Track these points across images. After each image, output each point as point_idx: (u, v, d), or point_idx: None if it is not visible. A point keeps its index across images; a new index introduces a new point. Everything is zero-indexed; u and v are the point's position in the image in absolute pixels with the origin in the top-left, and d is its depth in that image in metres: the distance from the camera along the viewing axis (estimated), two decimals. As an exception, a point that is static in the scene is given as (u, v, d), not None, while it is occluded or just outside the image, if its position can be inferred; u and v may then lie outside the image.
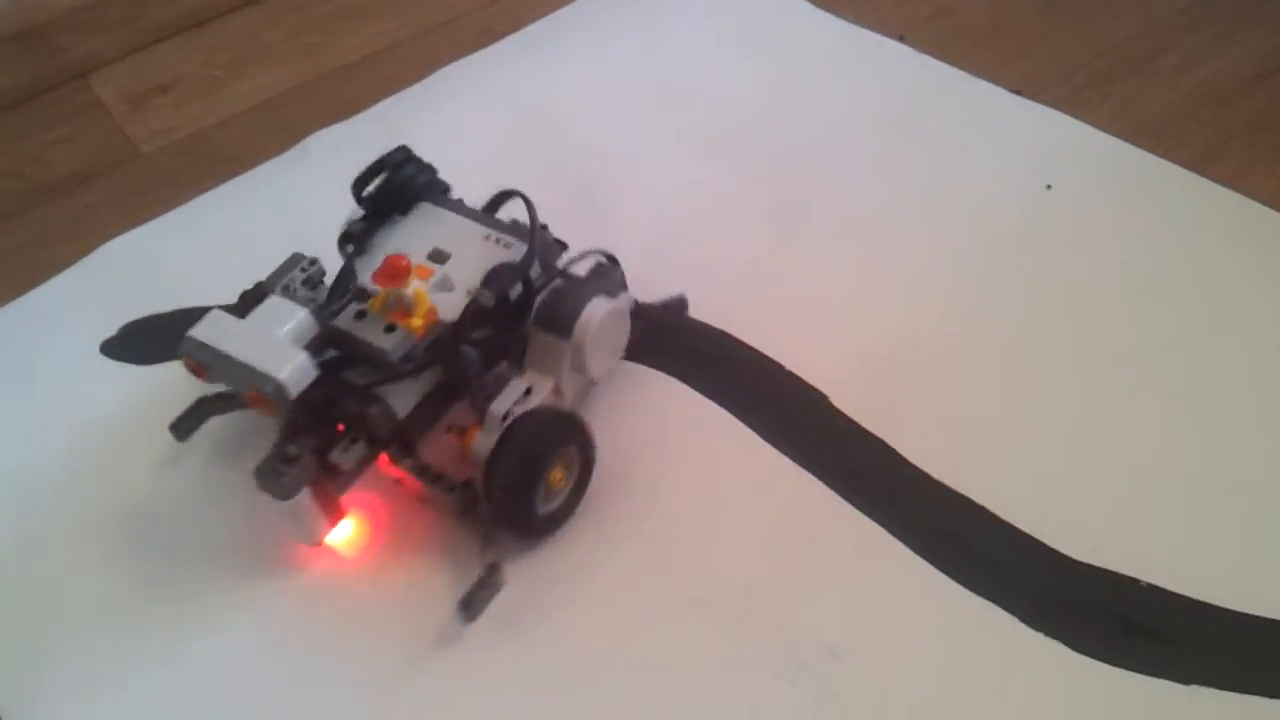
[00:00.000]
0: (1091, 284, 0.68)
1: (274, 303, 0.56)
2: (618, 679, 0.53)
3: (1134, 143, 0.75)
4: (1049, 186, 0.73)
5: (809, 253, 0.71)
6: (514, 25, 0.90)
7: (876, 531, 0.58)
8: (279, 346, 0.54)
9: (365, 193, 0.61)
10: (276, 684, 0.54)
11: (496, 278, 0.57)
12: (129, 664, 0.55)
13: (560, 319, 0.58)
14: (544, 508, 0.57)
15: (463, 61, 0.86)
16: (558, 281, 0.60)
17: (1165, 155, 0.74)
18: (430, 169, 0.63)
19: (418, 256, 0.59)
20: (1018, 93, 0.80)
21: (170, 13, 0.93)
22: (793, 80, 0.83)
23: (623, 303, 0.61)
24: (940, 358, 0.65)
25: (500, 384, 0.57)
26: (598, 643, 0.54)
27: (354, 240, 0.60)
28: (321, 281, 0.60)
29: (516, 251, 0.59)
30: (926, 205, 0.73)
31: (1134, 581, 0.55)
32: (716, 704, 0.52)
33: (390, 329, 0.55)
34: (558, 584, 0.57)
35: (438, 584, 0.57)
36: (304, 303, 0.57)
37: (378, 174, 0.61)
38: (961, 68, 0.82)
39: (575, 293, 0.59)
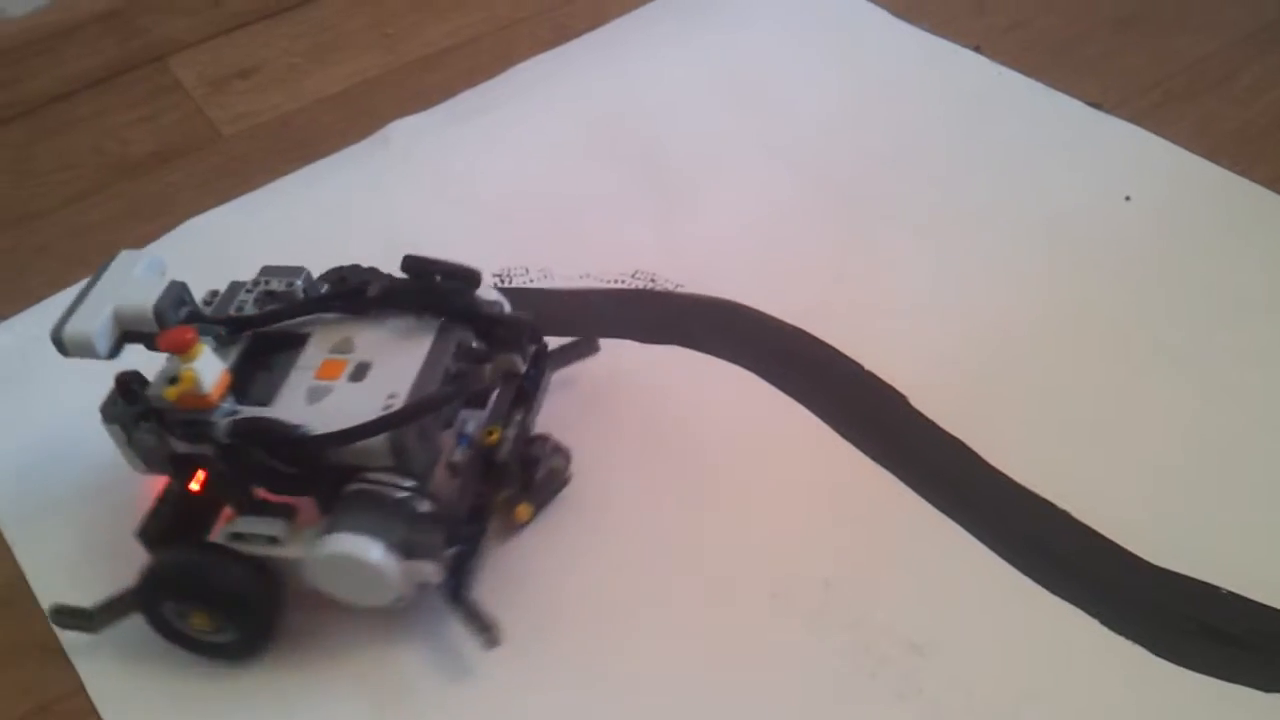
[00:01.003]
0: (1170, 294, 0.68)
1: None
2: (699, 668, 0.53)
3: (1212, 159, 0.76)
4: (1128, 198, 0.73)
5: (885, 256, 0.72)
6: (592, 23, 0.91)
7: (956, 530, 0.58)
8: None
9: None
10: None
11: None
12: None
13: None
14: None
15: (541, 57, 0.87)
16: None
17: (1243, 172, 0.74)
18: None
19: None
20: (1096, 106, 0.80)
21: (251, 0, 0.94)
22: (870, 86, 0.84)
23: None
24: (1019, 362, 0.65)
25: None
26: (679, 634, 0.55)
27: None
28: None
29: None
30: (1004, 212, 0.73)
31: (1214, 588, 0.55)
32: (797, 693, 0.52)
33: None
34: (641, 575, 0.57)
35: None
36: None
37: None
38: (1037, 79, 0.83)
39: None
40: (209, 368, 0.50)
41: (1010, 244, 0.72)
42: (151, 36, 0.92)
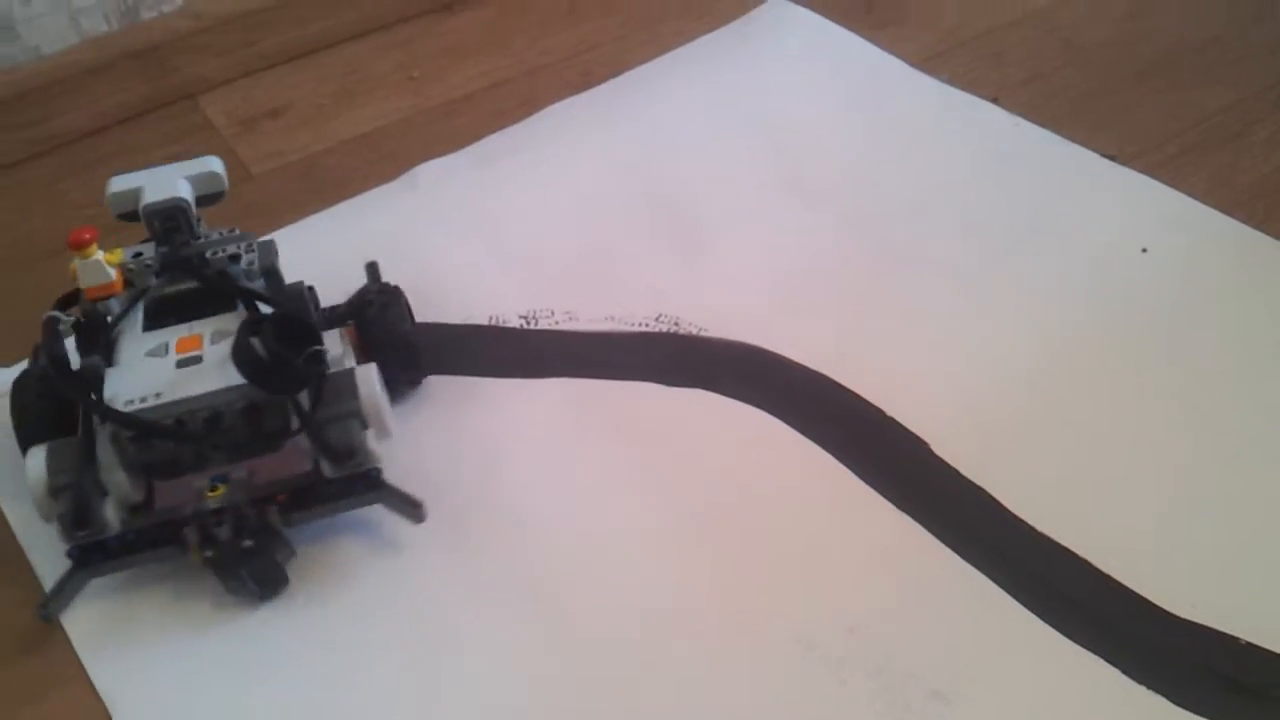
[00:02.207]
0: (1188, 346, 0.69)
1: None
2: (721, 713, 0.54)
3: (1227, 212, 0.77)
4: (1145, 250, 0.74)
5: (906, 303, 0.73)
6: (615, 69, 0.92)
7: (978, 578, 0.58)
8: None
9: None
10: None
11: None
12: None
13: None
14: None
15: (566, 101, 0.89)
16: None
17: (1258, 225, 0.76)
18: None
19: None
20: (1112, 158, 0.82)
21: (280, 42, 0.96)
22: (889, 136, 0.85)
23: None
24: (1039, 411, 0.66)
25: None
26: (701, 680, 0.55)
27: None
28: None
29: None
30: (1022, 262, 0.75)
31: (1234, 639, 0.55)
32: (822, 738, 0.53)
33: None
34: (662, 618, 0.58)
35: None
36: None
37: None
38: (1054, 131, 0.84)
39: None
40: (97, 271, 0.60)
41: (1029, 294, 0.73)
42: (183, 75, 0.93)
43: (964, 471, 0.63)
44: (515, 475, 0.64)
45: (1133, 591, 0.57)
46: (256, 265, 0.63)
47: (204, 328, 0.60)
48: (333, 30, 0.98)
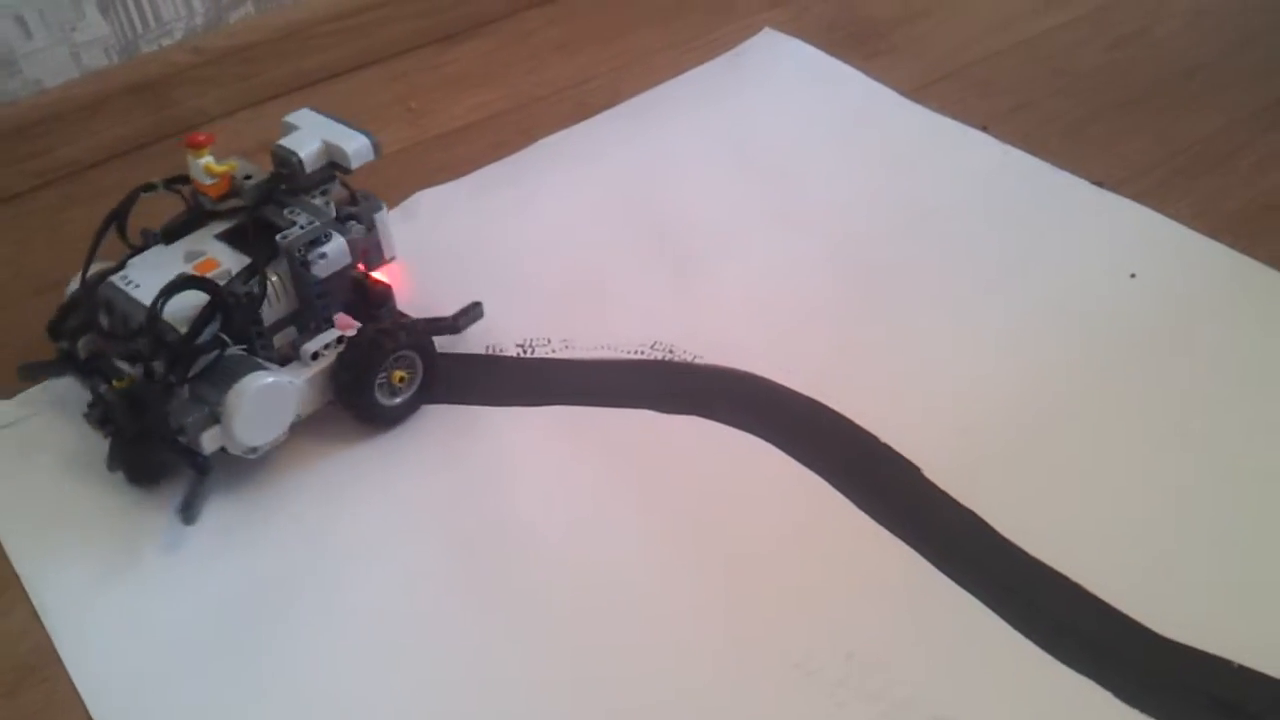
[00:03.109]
0: (1176, 370, 0.70)
1: None
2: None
3: (1215, 237, 0.78)
4: (1133, 275, 0.75)
5: (898, 329, 0.73)
6: (610, 100, 0.94)
7: (971, 603, 0.59)
8: None
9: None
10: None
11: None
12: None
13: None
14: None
15: (563, 132, 0.90)
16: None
17: (1245, 250, 0.76)
18: None
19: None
20: (1099, 184, 0.83)
21: (280, 74, 0.97)
22: (881, 163, 0.86)
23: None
24: (1029, 435, 0.67)
25: None
26: (700, 706, 0.56)
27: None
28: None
29: None
30: (1013, 287, 0.75)
31: (1226, 662, 0.56)
32: (818, 763, 0.53)
33: None
34: (659, 645, 0.58)
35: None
36: None
37: None
38: (1043, 159, 0.85)
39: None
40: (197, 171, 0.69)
41: (1019, 319, 0.73)
42: (183, 108, 0.94)
43: (956, 496, 0.63)
44: (513, 503, 0.65)
45: (1124, 614, 0.58)
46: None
47: (215, 253, 0.67)
48: (331, 62, 0.99)
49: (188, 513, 0.64)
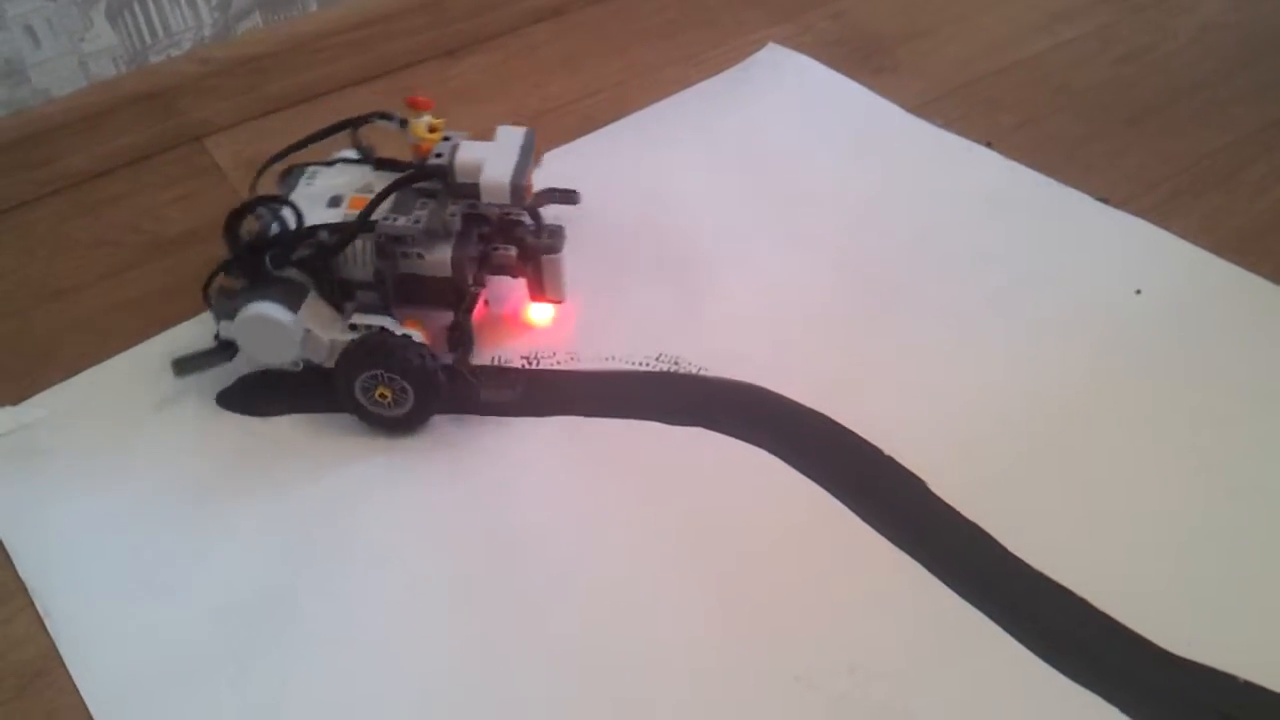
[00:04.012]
0: (1181, 386, 0.70)
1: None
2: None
3: (1219, 254, 0.78)
4: (1138, 291, 0.75)
5: (903, 342, 0.73)
6: (616, 114, 0.94)
7: (977, 617, 0.59)
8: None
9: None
10: None
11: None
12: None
13: None
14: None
15: (567, 146, 0.90)
16: None
17: (1249, 267, 0.77)
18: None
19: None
20: (1104, 200, 0.83)
21: (286, 85, 0.97)
22: (885, 179, 0.86)
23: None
24: (1035, 450, 0.67)
25: None
26: (702, 714, 0.56)
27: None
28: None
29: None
30: (1018, 303, 0.76)
31: (1232, 678, 0.56)
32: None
33: None
34: (664, 656, 0.58)
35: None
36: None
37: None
38: (1048, 175, 0.85)
39: None
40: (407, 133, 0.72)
41: (1024, 334, 0.73)
42: (189, 118, 0.94)
43: (962, 510, 0.63)
44: (518, 513, 0.65)
45: (1131, 630, 0.58)
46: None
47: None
48: (338, 74, 0.99)
49: (180, 365, 0.70)
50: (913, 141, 0.90)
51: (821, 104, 0.95)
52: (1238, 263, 0.77)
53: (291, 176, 0.74)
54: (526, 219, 0.73)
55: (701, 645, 0.58)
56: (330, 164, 0.75)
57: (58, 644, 0.60)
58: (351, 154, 0.76)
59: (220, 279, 0.70)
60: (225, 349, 0.70)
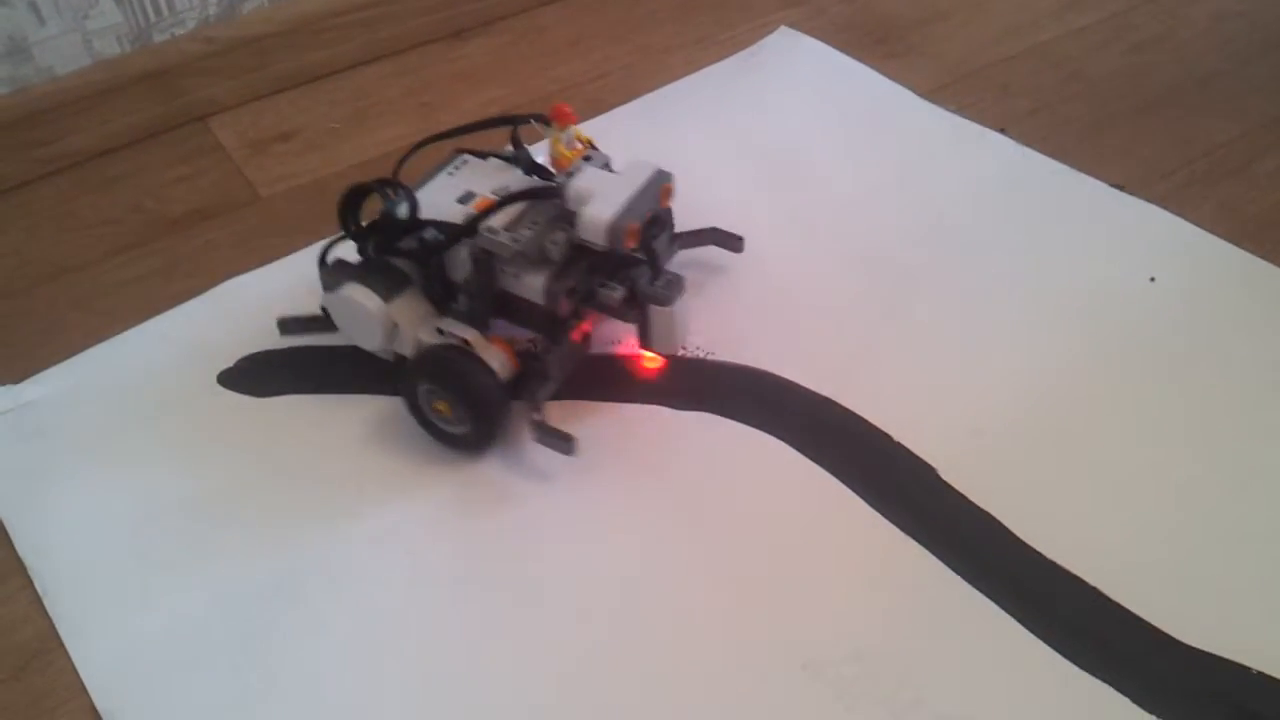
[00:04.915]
0: (1195, 374, 0.69)
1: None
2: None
3: (1234, 242, 0.77)
4: (1152, 279, 0.75)
5: (914, 329, 0.73)
6: (625, 97, 0.93)
7: (985, 605, 0.58)
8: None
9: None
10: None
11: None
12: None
13: None
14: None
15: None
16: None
17: (1265, 255, 0.76)
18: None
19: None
20: (1119, 188, 0.82)
21: (291, 65, 0.96)
22: (898, 164, 0.85)
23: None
24: (1046, 438, 0.66)
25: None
26: (709, 703, 0.55)
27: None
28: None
29: None
30: (1031, 289, 0.75)
31: (1244, 668, 0.55)
32: (829, 763, 0.52)
33: None
34: (671, 643, 0.58)
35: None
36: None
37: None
38: (1062, 161, 0.85)
39: None
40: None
41: (1037, 321, 0.73)
42: (193, 98, 0.94)
43: (972, 497, 0.63)
44: (522, 498, 0.64)
45: (1142, 619, 0.57)
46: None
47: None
48: (343, 55, 0.98)
49: (284, 324, 0.72)
50: (926, 126, 0.89)
51: (833, 88, 0.94)
52: (1252, 251, 0.76)
53: (446, 161, 0.72)
54: (650, 258, 0.67)
55: (706, 632, 0.58)
56: (484, 158, 0.72)
57: (56, 624, 0.59)
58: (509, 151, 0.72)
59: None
60: (328, 319, 0.69)
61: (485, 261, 0.65)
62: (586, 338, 0.70)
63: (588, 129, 0.89)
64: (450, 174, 0.70)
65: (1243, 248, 0.77)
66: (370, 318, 0.65)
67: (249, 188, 0.87)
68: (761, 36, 1.00)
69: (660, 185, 0.66)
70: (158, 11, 0.91)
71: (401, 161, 0.71)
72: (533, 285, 0.65)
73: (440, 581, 0.60)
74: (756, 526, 0.62)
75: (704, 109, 0.92)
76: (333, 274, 0.67)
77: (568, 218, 0.64)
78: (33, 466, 0.67)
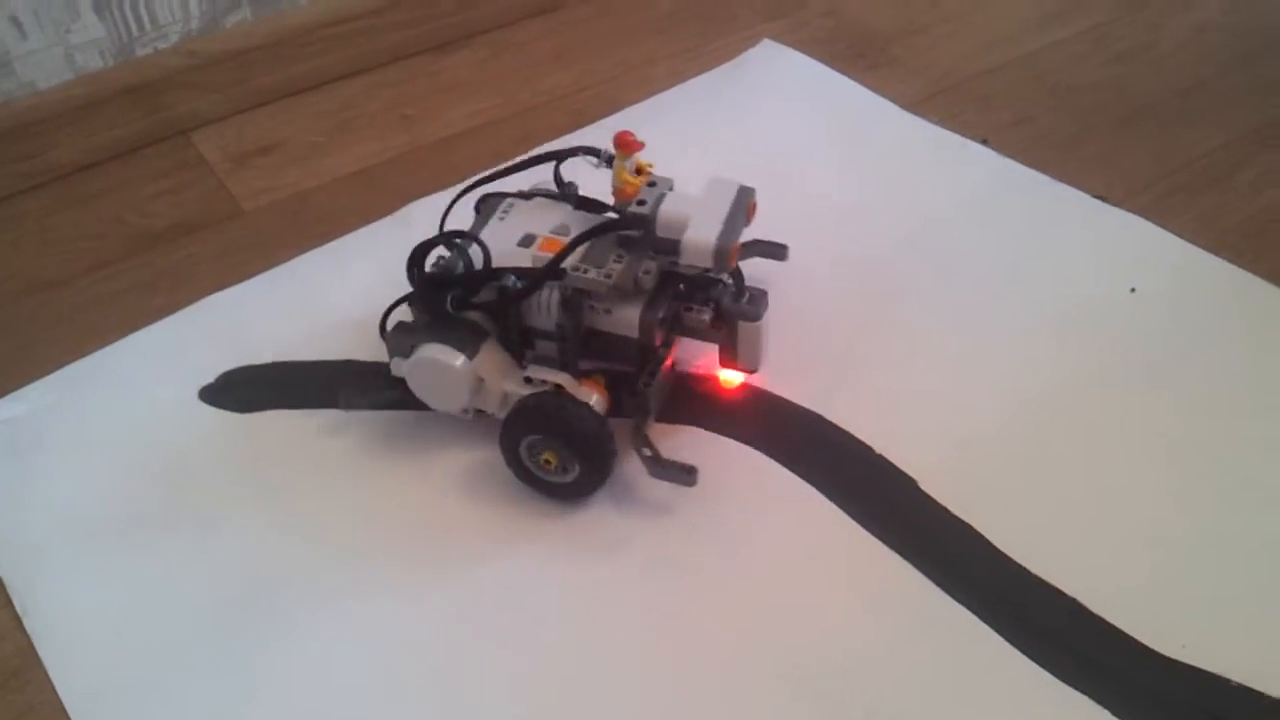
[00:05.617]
0: (1176, 385, 0.69)
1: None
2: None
3: (1215, 252, 0.77)
4: (1133, 289, 0.75)
5: (896, 343, 0.73)
6: (607, 110, 0.93)
7: (966, 616, 0.58)
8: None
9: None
10: None
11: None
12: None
13: None
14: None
15: (560, 140, 0.89)
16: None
17: (1246, 266, 0.76)
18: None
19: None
20: (1101, 198, 0.82)
21: (274, 79, 0.96)
22: (881, 175, 0.86)
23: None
24: (1027, 449, 0.66)
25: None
26: (689, 714, 0.55)
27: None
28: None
29: None
30: (1012, 300, 0.75)
31: (1224, 681, 0.55)
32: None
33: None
34: (651, 653, 0.58)
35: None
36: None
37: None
38: (1043, 172, 0.85)
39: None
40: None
41: (1019, 331, 0.73)
42: (176, 111, 0.93)
43: (953, 509, 0.63)
44: (500, 510, 0.64)
45: (1122, 631, 0.57)
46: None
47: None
48: (326, 69, 0.98)
49: (347, 396, 0.68)
50: (908, 138, 0.89)
51: (816, 100, 0.94)
52: (1234, 261, 0.77)
53: (486, 207, 0.70)
54: (726, 277, 0.66)
55: (687, 642, 0.58)
56: (528, 198, 0.70)
57: (35, 643, 0.59)
58: (551, 188, 0.71)
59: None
60: (396, 386, 0.65)
61: (574, 301, 0.63)
62: (673, 366, 0.69)
63: (571, 140, 0.90)
64: (501, 219, 0.68)
65: (1222, 257, 0.77)
66: (456, 377, 0.62)
67: (231, 201, 0.87)
68: (745, 49, 1.00)
69: (747, 201, 0.64)
70: (140, 25, 0.91)
71: (449, 209, 0.70)
72: (626, 319, 0.63)
73: (420, 593, 0.60)
74: (738, 539, 0.62)
75: (687, 121, 0.92)
76: (402, 338, 0.64)
77: (658, 245, 0.62)
78: (11, 483, 0.67)
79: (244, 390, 0.72)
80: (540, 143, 0.89)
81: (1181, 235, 0.79)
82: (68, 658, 0.58)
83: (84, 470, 0.67)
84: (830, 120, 0.92)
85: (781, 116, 0.92)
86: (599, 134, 0.90)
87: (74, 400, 0.71)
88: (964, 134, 0.89)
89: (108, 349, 0.74)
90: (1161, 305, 0.74)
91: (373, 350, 0.72)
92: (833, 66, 0.97)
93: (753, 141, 0.89)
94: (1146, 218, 0.80)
